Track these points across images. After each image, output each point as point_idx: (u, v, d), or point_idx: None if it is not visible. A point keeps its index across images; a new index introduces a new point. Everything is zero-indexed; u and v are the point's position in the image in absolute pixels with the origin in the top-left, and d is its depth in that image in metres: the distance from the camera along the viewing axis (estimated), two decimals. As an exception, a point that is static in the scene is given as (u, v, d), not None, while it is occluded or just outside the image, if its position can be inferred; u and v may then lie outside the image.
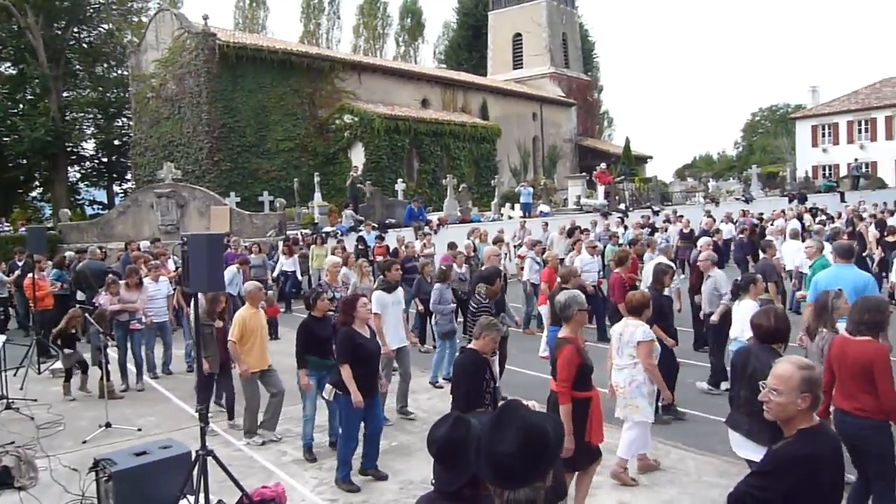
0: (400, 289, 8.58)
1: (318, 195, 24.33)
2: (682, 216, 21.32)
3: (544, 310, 10.24)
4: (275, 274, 16.21)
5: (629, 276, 10.43)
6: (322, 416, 7.29)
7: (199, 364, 5.24)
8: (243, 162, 28.58)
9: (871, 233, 15.72)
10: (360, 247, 17.18)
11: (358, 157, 29.95)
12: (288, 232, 19.57)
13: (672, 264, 10.14)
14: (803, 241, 12.11)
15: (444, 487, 2.52)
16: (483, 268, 9.45)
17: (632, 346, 6.01)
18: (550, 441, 1.97)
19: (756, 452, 4.52)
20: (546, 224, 20.42)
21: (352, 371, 6.07)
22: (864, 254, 15.29)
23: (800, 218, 20.65)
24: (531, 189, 25.24)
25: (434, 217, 22.08)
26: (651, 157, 51.09)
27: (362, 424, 6.33)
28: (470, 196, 26.74)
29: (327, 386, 6.47)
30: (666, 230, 19.77)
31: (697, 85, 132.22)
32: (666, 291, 8.16)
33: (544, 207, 24.43)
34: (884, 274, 13.81)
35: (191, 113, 27.94)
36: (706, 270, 9.46)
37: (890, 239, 13.94)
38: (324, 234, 18.38)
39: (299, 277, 16.63)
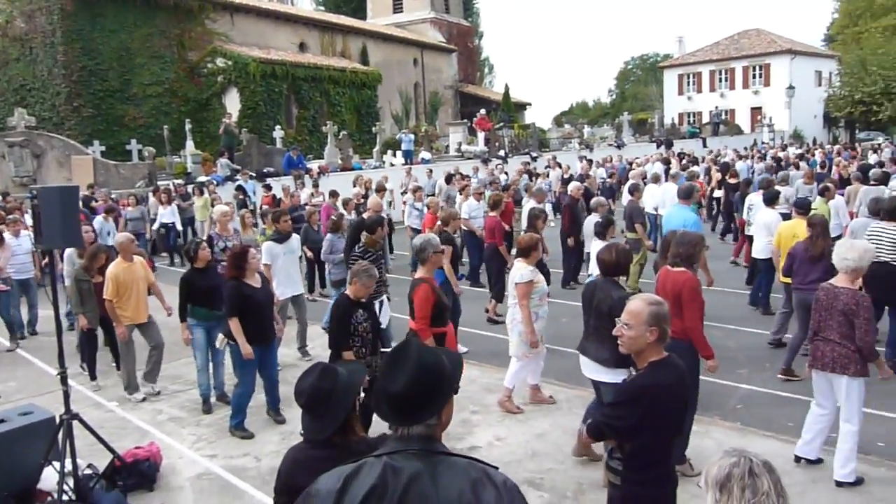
0: (293, 237, 8.73)
1: (190, 143, 23.15)
2: (560, 163, 22.05)
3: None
4: (155, 226, 15.60)
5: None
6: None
7: (58, 324, 4.97)
8: (107, 108, 26.70)
9: (714, 176, 17.11)
10: (240, 196, 16.65)
11: (233, 103, 28.68)
12: (159, 182, 18.61)
13: (544, 208, 10.62)
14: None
15: (312, 436, 2.57)
16: (365, 215, 9.47)
17: (513, 286, 6.32)
18: (445, 378, 2.02)
19: (601, 373, 5.05)
20: (430, 171, 20.52)
21: (242, 322, 6.10)
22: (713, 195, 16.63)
23: (667, 162, 21.81)
24: (412, 136, 25.21)
25: (314, 165, 21.64)
26: (530, 104, 52.00)
27: (258, 373, 6.44)
28: (351, 143, 26.36)
29: (220, 336, 6.48)
30: (547, 176, 20.41)
31: (575, 33, 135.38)
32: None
33: (426, 154, 24.51)
34: (726, 212, 15.17)
35: (44, 54, 25.68)
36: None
37: (731, 181, 15.04)
38: (200, 185, 17.61)
39: (178, 228, 15.99)
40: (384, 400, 1.95)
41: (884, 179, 12.03)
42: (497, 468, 1.97)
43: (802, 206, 8.21)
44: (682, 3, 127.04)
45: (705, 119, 44.12)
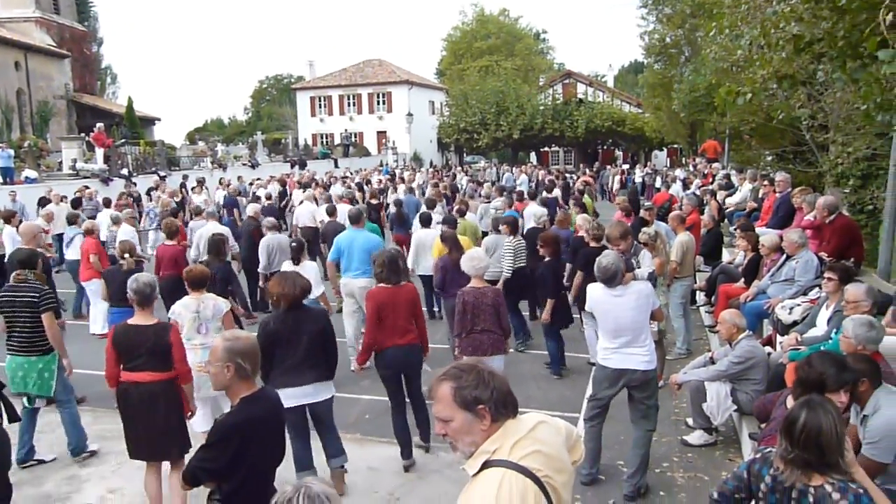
0: None
1: None
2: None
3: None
4: None
5: (183, 244, 10.59)
6: None
7: None
8: None
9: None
10: None
11: None
12: None
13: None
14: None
15: None
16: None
17: (218, 320, 5.90)
18: None
19: (326, 391, 5.34)
20: (14, 193, 17.71)
21: None
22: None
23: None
24: (11, 151, 21.83)
25: None
26: (159, 119, 48.89)
27: None
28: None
29: None
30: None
31: (209, 47, 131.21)
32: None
33: (30, 173, 21.44)
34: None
35: None
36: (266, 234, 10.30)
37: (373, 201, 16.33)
38: None
39: None
40: None
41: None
42: None
43: (448, 223, 9.84)
44: (312, 28, 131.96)
45: (337, 140, 46.39)
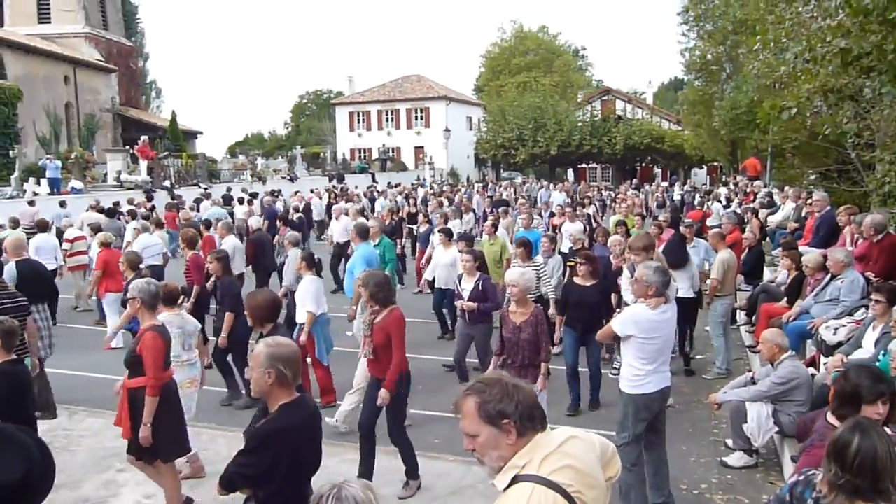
0: None
1: None
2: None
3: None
4: None
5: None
6: None
7: None
8: None
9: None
10: None
11: None
12: None
13: None
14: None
15: None
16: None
17: (195, 336, 6.02)
18: (37, 468, 1.80)
19: None
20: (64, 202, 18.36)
21: None
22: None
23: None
24: (59, 162, 22.49)
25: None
26: (201, 133, 50.00)
27: None
28: (-20, 169, 22.68)
29: None
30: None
31: (251, 63, 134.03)
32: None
33: (77, 183, 22.04)
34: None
35: None
36: (288, 248, 10.13)
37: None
38: None
39: None
40: None
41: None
42: None
43: (465, 239, 9.75)
44: (352, 44, 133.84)
45: (375, 155, 46.83)
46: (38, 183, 22.49)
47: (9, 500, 1.70)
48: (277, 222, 13.93)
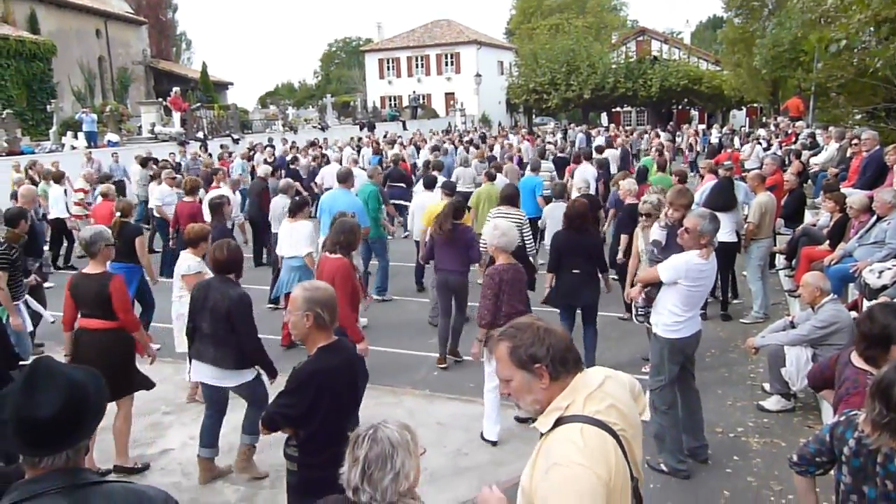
0: None
1: None
2: (267, 146, 21.40)
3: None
4: None
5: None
6: None
7: None
8: None
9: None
10: None
11: None
12: None
13: (228, 195, 10.32)
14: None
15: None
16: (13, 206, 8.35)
17: (178, 279, 6.11)
18: (92, 397, 1.85)
19: (221, 378, 4.93)
20: (116, 155, 18.72)
21: None
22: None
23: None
24: (94, 116, 22.73)
25: (-29, 149, 18.54)
26: (232, 84, 50.03)
27: None
28: (18, 123, 23.03)
29: None
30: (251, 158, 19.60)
31: (279, 12, 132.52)
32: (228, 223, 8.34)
33: (112, 136, 22.29)
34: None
35: None
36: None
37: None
38: None
39: None
40: (21, 429, 1.74)
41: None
42: (156, 489, 1.91)
43: (448, 188, 9.07)
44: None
45: (405, 102, 46.38)
46: (76, 137, 22.80)
47: (52, 434, 1.75)
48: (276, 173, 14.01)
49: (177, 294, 6.26)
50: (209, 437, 5.05)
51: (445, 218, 7.24)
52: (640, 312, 5.39)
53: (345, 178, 9.00)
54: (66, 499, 1.71)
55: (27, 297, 6.85)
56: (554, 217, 8.77)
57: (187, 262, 6.00)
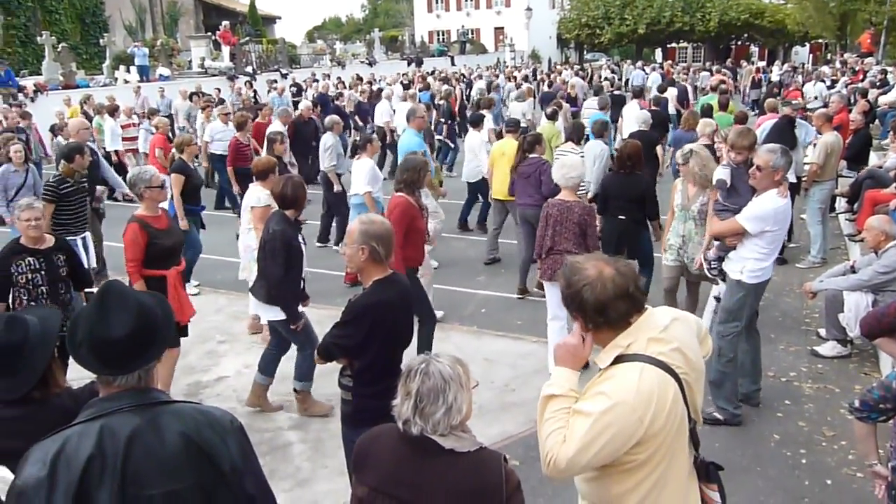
0: None
1: None
2: (318, 80, 21.34)
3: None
4: None
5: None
6: None
7: None
8: None
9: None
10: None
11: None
12: None
13: (283, 131, 10.36)
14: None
15: (7, 396, 2.32)
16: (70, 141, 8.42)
17: (247, 212, 6.12)
18: (160, 320, 1.92)
19: (258, 309, 5.16)
20: (163, 90, 18.87)
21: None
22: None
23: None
24: (146, 50, 22.89)
25: (28, 82, 18.91)
26: (280, 18, 49.62)
27: None
28: (73, 57, 23.34)
29: None
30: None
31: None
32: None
33: (164, 70, 22.48)
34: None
35: None
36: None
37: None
38: None
39: None
40: (95, 348, 1.81)
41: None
42: (222, 410, 1.97)
43: (512, 125, 8.71)
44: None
45: (453, 38, 45.47)
46: (128, 71, 23.05)
47: (124, 353, 1.82)
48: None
49: (245, 226, 6.31)
50: (265, 365, 5.19)
51: (523, 153, 7.32)
52: (713, 266, 5.11)
53: (410, 118, 8.87)
54: (138, 416, 1.78)
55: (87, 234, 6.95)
56: (592, 155, 8.49)
57: (256, 194, 6.02)
